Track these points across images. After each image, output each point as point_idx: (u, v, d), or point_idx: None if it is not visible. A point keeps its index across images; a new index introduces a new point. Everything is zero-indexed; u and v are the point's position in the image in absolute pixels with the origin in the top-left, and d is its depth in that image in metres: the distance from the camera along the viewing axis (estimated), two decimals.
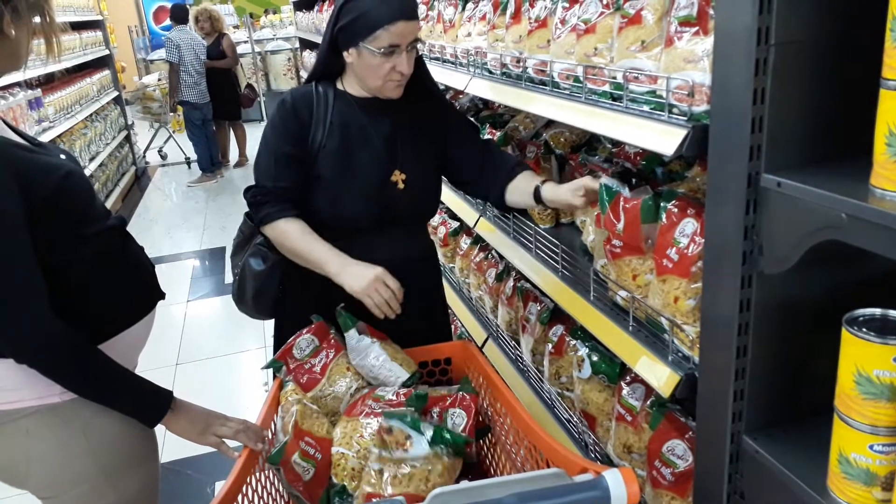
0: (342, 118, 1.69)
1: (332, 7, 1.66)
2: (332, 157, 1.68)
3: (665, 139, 1.15)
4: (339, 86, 1.73)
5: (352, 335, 1.69)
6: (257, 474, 1.45)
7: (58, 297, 1.29)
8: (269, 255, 1.77)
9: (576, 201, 1.57)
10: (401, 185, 1.72)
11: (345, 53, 1.64)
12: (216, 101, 7.59)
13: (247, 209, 1.78)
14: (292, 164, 1.68)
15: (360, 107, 1.71)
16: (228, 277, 4.77)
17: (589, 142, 2.03)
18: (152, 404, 1.40)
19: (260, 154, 1.73)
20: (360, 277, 1.60)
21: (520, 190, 1.73)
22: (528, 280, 1.96)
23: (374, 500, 1.37)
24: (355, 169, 1.69)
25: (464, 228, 2.76)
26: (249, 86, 8.40)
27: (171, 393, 1.43)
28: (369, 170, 1.70)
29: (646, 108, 1.25)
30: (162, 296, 1.57)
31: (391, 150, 1.71)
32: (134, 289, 1.49)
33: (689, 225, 1.24)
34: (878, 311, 0.94)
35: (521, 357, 2.15)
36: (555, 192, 1.63)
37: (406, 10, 1.56)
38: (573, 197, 1.57)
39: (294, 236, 1.67)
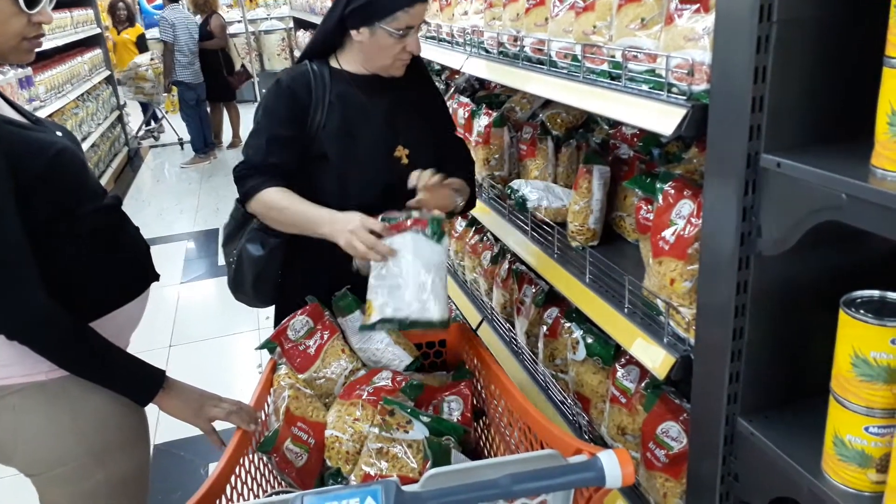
0: (341, 96, 1.68)
1: None
2: (334, 136, 1.66)
3: (664, 119, 1.13)
4: (335, 64, 1.71)
5: (356, 317, 1.68)
6: (250, 455, 1.44)
7: (51, 274, 1.28)
8: (267, 240, 1.73)
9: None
10: (405, 161, 1.72)
11: (353, 32, 1.62)
12: (209, 83, 7.52)
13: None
14: (286, 145, 1.66)
15: (359, 84, 1.69)
16: (222, 259, 4.74)
17: (586, 123, 2.01)
18: (144, 383, 1.39)
19: (251, 135, 1.70)
20: (343, 230, 1.51)
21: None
22: (523, 262, 1.95)
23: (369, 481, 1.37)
24: (359, 146, 1.68)
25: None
26: (243, 66, 8.32)
27: (163, 372, 1.42)
28: (373, 147, 1.69)
29: (645, 87, 1.23)
30: (156, 277, 1.55)
31: (392, 126, 1.71)
32: (128, 268, 1.48)
33: (686, 206, 1.23)
34: (875, 292, 0.93)
35: (515, 339, 2.14)
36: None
37: None
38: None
39: (283, 204, 1.61)
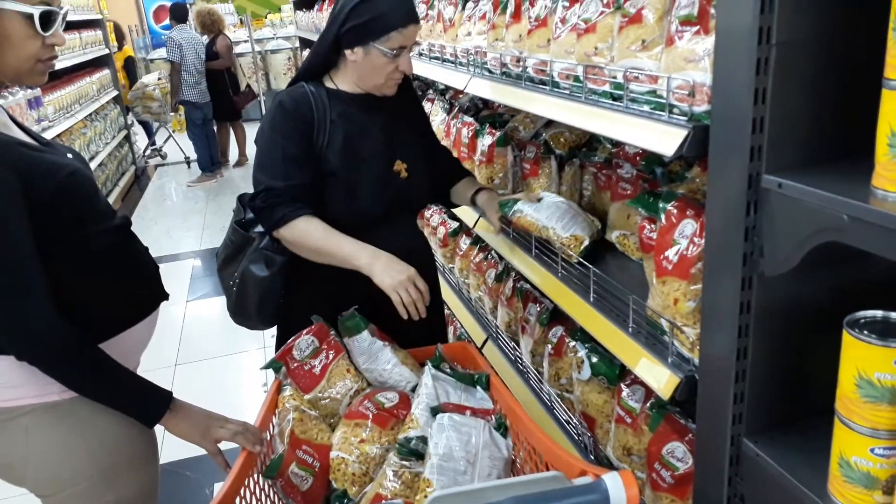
0: (342, 115, 1.71)
1: (335, 6, 1.68)
2: (338, 153, 1.69)
3: (665, 139, 1.14)
4: (330, 84, 1.75)
5: (364, 337, 1.69)
6: (255, 476, 1.44)
7: (61, 295, 1.29)
8: (274, 260, 1.73)
9: (493, 220, 1.91)
10: (404, 174, 1.78)
11: (348, 52, 1.66)
12: (215, 102, 7.59)
13: (236, 219, 1.77)
14: (302, 163, 1.68)
15: (356, 103, 1.74)
16: None
17: (589, 142, 2.02)
18: (151, 404, 1.40)
19: (264, 156, 1.70)
20: (393, 273, 1.61)
21: (459, 193, 2.01)
22: (527, 281, 1.95)
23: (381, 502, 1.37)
24: (362, 162, 1.71)
25: (463, 229, 2.75)
26: (248, 86, 8.40)
27: (170, 393, 1.42)
28: (375, 162, 1.73)
29: (646, 108, 1.24)
30: (165, 296, 1.56)
31: (390, 142, 1.76)
32: (137, 288, 1.49)
33: (689, 226, 1.23)
34: (879, 312, 0.93)
35: (520, 358, 2.14)
36: (485, 205, 1.93)
37: (415, 15, 1.66)
38: (493, 216, 1.91)
39: (317, 234, 1.65)
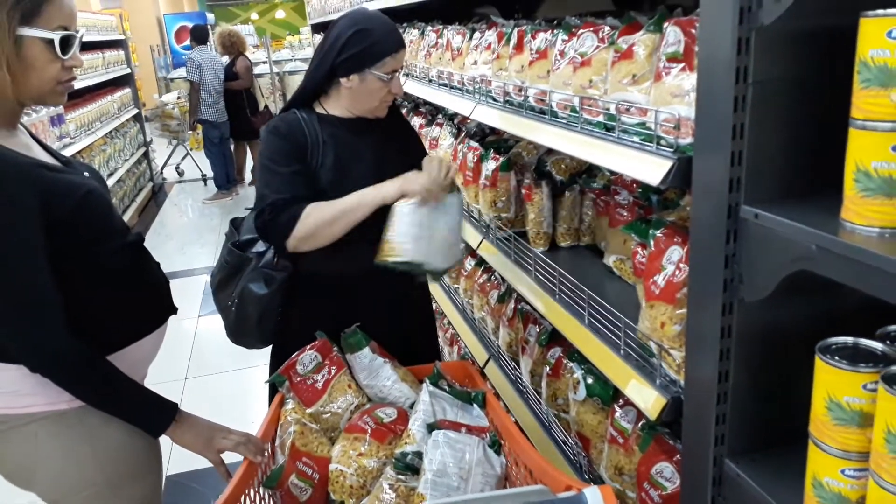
0: (332, 138, 1.80)
1: (326, 39, 1.77)
2: (329, 174, 1.77)
3: (652, 169, 1.19)
4: (320, 109, 1.84)
5: (365, 354, 1.74)
6: (256, 486, 1.49)
7: (72, 308, 1.35)
8: (273, 278, 1.79)
9: None
10: None
11: (343, 80, 1.76)
12: (233, 122, 7.73)
13: (230, 241, 1.85)
14: (303, 179, 1.75)
15: (345, 126, 1.82)
16: None
17: (589, 169, 2.07)
18: (157, 415, 1.45)
19: (266, 174, 1.76)
20: (419, 179, 1.69)
21: None
22: (527, 302, 2.00)
23: None
24: (352, 182, 1.77)
25: (468, 250, 2.80)
26: (266, 107, 8.55)
27: (176, 405, 1.48)
28: (364, 182, 1.78)
29: (636, 139, 1.29)
30: (174, 311, 1.62)
31: (379, 161, 1.83)
32: (147, 303, 1.55)
33: (676, 252, 1.28)
34: (850, 339, 0.97)
35: (520, 378, 2.18)
36: None
37: (402, 40, 1.78)
38: None
39: (325, 208, 1.70)
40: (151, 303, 1.57)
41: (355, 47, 1.70)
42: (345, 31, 1.72)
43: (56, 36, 1.30)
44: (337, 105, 1.83)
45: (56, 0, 1.30)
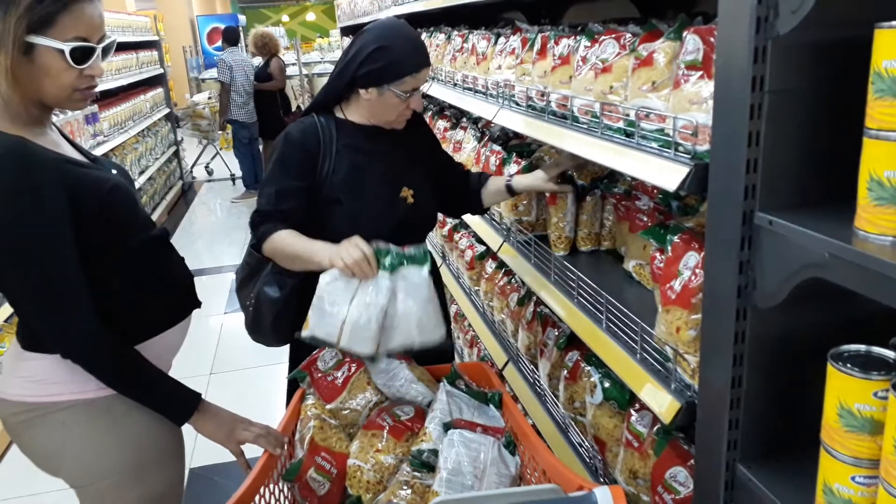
0: (348, 145, 1.82)
1: (350, 48, 1.78)
2: (343, 182, 1.79)
3: (669, 175, 1.21)
4: (339, 114, 1.86)
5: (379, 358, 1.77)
6: (274, 477, 1.52)
7: (100, 300, 1.40)
8: (285, 282, 1.84)
9: (545, 185, 1.96)
10: (410, 200, 1.87)
11: (362, 91, 1.77)
12: (263, 122, 7.84)
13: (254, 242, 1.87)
14: (294, 195, 1.78)
15: (364, 133, 1.84)
16: None
17: (611, 174, 2.08)
18: (181, 404, 1.50)
19: (265, 184, 1.82)
20: (330, 251, 1.61)
21: (491, 191, 2.08)
22: (546, 305, 2.02)
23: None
24: (368, 189, 1.81)
25: (490, 253, 2.83)
26: (298, 107, 8.66)
27: (199, 395, 1.52)
28: (381, 189, 1.83)
29: (655, 145, 1.31)
30: (198, 305, 1.67)
31: (396, 169, 1.86)
32: (170, 296, 1.60)
33: (693, 258, 1.29)
34: (862, 347, 0.98)
35: (538, 381, 2.20)
36: (524, 181, 2.01)
37: (427, 58, 1.77)
38: (542, 182, 1.95)
39: (288, 241, 1.71)
40: (174, 296, 1.61)
41: (375, 63, 1.71)
42: (367, 45, 1.72)
43: (67, 47, 1.30)
44: (356, 112, 1.85)
45: (75, 11, 1.30)
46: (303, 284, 1.83)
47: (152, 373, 1.47)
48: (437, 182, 2.00)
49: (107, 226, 1.43)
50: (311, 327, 1.61)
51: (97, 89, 1.46)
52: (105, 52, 1.40)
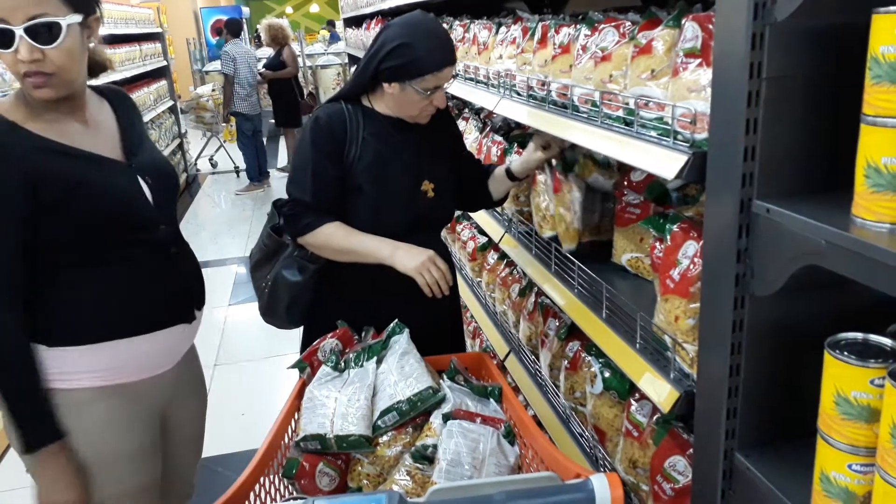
0: (374, 134, 1.81)
1: (375, 42, 1.76)
2: (367, 170, 1.78)
3: (668, 164, 1.20)
4: (367, 103, 1.84)
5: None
6: (274, 465, 1.53)
7: (51, 291, 1.42)
8: (306, 266, 1.85)
9: (538, 155, 1.93)
10: (430, 194, 1.86)
11: (385, 85, 1.75)
12: (282, 110, 7.84)
13: (270, 224, 1.90)
14: (329, 181, 1.77)
15: (389, 124, 1.83)
16: None
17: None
18: (42, 431, 1.43)
19: (297, 170, 1.81)
20: (413, 257, 1.72)
21: (497, 179, 2.05)
22: (547, 296, 2.02)
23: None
24: (390, 180, 1.80)
25: (491, 244, 2.82)
26: (311, 94, 8.66)
27: (62, 436, 1.45)
28: (403, 180, 1.82)
29: (654, 133, 1.30)
30: (188, 319, 1.65)
31: (419, 162, 1.85)
32: (144, 304, 1.56)
33: (691, 247, 1.28)
34: (859, 335, 0.97)
35: (539, 372, 2.20)
36: (521, 163, 1.98)
37: (452, 56, 1.75)
38: (530, 154, 1.94)
39: (341, 235, 1.76)
40: (151, 305, 1.57)
41: (397, 60, 1.69)
42: (391, 40, 1.70)
43: None
44: (381, 103, 1.83)
45: None
46: (321, 269, 1.84)
47: (35, 387, 1.42)
48: (458, 180, 2.00)
49: (73, 219, 1.41)
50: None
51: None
52: (33, 34, 1.29)
